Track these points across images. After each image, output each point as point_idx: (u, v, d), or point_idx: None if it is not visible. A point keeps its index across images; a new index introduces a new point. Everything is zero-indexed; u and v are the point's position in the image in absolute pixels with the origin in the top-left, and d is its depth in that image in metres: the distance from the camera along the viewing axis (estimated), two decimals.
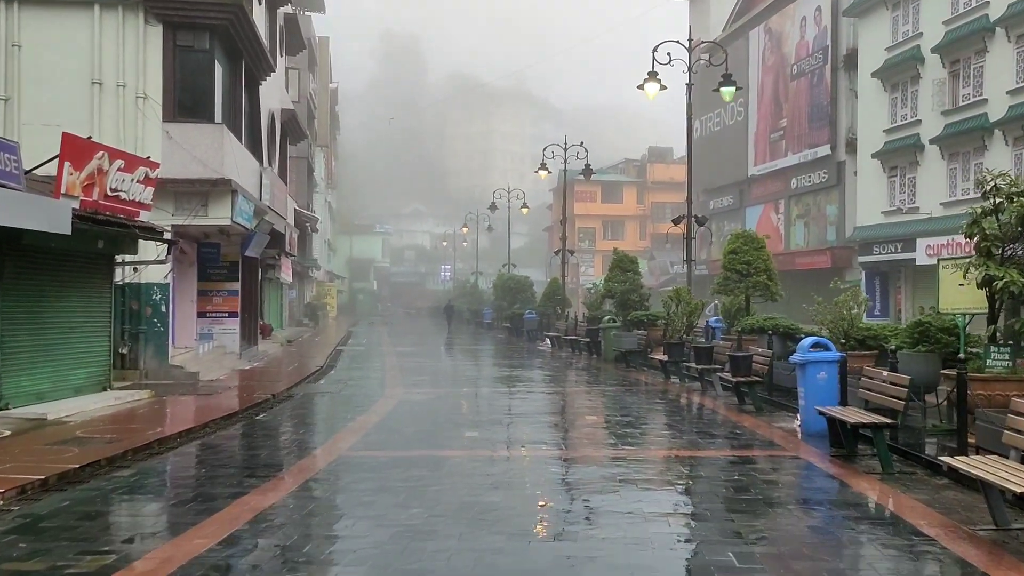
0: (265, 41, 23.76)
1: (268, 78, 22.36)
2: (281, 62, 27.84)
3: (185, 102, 17.36)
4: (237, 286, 21.98)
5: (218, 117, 17.51)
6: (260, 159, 21.81)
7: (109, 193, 13.23)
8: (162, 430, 11.30)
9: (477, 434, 11.69)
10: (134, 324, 16.90)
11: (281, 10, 26.74)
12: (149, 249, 15.86)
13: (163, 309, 17.09)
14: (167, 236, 15.57)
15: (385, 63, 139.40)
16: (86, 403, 13.13)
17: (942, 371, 10.57)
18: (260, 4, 22.62)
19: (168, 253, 15.48)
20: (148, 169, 14.39)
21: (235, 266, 21.85)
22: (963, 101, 29.32)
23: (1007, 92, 27.05)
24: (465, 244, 76.34)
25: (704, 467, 9.50)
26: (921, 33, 31.55)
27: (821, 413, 10.20)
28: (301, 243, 43.11)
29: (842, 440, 9.91)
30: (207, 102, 17.36)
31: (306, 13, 47.56)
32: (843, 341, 13.63)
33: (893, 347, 12.22)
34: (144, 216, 14.72)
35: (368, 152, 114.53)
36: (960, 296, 10.82)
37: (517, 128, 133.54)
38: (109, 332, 15.01)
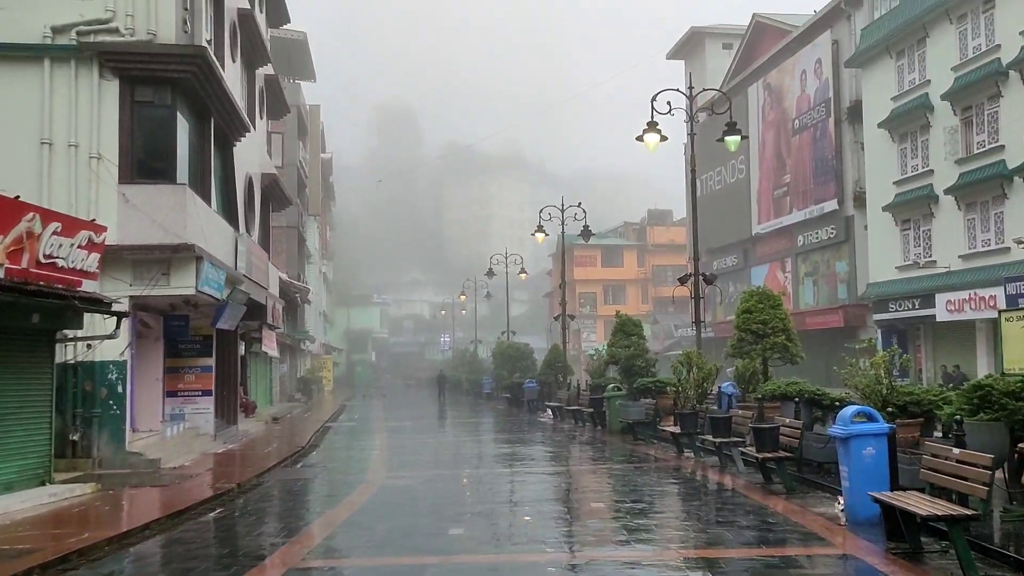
0: (242, 101, 22.56)
1: (243, 140, 21.00)
2: (262, 124, 26.62)
3: (145, 162, 15.91)
4: (211, 361, 20.29)
5: (181, 178, 16.04)
6: (235, 225, 20.31)
7: (42, 260, 11.67)
8: (89, 536, 9.50)
9: (463, 531, 9.87)
10: (87, 407, 15.18)
11: (261, 71, 25.60)
12: (103, 323, 14.26)
13: (119, 390, 15.38)
14: (118, 308, 13.93)
15: (381, 134, 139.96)
16: (13, 502, 11.35)
17: (1019, 446, 8.80)
18: (235, 62, 21.40)
19: (118, 327, 13.82)
20: (92, 233, 12.86)
21: (209, 340, 20.20)
22: (978, 148, 27.99)
23: None
24: (464, 312, 74.82)
25: (738, 574, 7.70)
26: (929, 81, 30.40)
27: (877, 501, 8.43)
28: (291, 315, 41.52)
29: (903, 531, 8.14)
30: (168, 161, 15.90)
31: (296, 81, 46.89)
32: (882, 408, 11.89)
33: (949, 414, 10.47)
34: (91, 286, 13.14)
35: (366, 222, 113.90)
36: None
37: (515, 194, 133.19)
38: (50, 418, 13.26)
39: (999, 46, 27.08)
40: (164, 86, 15.94)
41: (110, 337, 13.92)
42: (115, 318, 13.74)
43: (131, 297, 15.43)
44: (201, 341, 20.10)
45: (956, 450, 7.96)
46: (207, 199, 17.53)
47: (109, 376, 15.32)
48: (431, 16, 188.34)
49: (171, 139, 16.02)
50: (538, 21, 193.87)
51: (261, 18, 26.09)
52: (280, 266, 37.42)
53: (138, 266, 15.53)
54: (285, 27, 36.87)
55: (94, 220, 13.32)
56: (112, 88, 15.59)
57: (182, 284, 15.71)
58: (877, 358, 12.10)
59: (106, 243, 13.65)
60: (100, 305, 13.20)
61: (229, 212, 20.12)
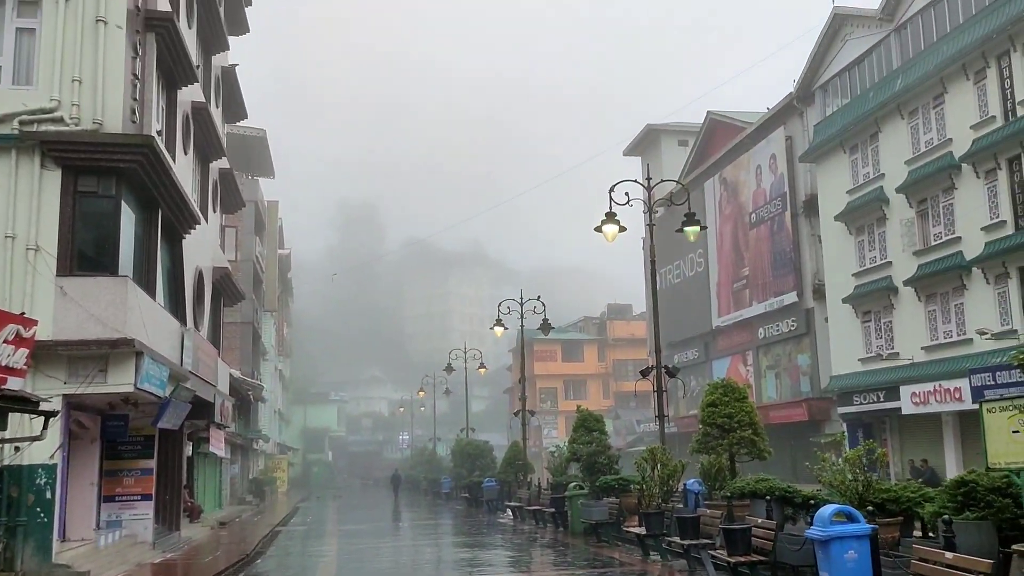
0: (194, 193, 22.03)
1: (194, 232, 20.36)
2: (215, 218, 26.05)
3: (86, 253, 15.19)
4: (152, 463, 19.17)
5: (123, 270, 15.31)
6: (182, 319, 19.51)
7: None
8: None
9: None
10: (12, 515, 14.04)
11: (216, 164, 25.17)
12: (30, 424, 13.27)
13: (48, 496, 14.27)
14: (46, 407, 12.98)
15: (341, 230, 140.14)
16: None
17: (1013, 547, 8.18)
18: (187, 154, 20.94)
19: (45, 427, 12.84)
20: (21, 327, 12.00)
21: (150, 440, 19.14)
22: (935, 240, 28.22)
23: (981, 229, 25.97)
24: (423, 409, 73.40)
25: None
26: (883, 174, 30.86)
27: None
28: (244, 413, 40.19)
29: None
30: (110, 253, 15.19)
31: (255, 178, 46.62)
32: (860, 507, 11.28)
33: (932, 513, 9.88)
34: (18, 384, 12.23)
35: (325, 318, 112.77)
36: (1016, 446, 8.64)
37: (475, 290, 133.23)
38: None
39: (950, 140, 27.60)
40: (109, 176, 15.35)
41: (37, 439, 12.93)
42: (42, 418, 12.78)
43: (65, 395, 14.50)
44: (142, 442, 19.03)
45: (949, 554, 7.36)
46: (152, 292, 16.79)
47: (37, 481, 14.24)
48: (392, 113, 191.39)
49: (114, 230, 15.35)
50: (497, 115, 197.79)
51: (217, 112, 25.80)
52: (233, 363, 36.32)
53: (74, 362, 14.65)
54: (245, 124, 36.75)
55: (23, 313, 12.50)
56: (54, 178, 14.96)
57: (120, 381, 14.82)
58: (851, 453, 11.55)
59: (40, 338, 12.80)
60: (26, 404, 12.26)
61: (176, 306, 19.34)
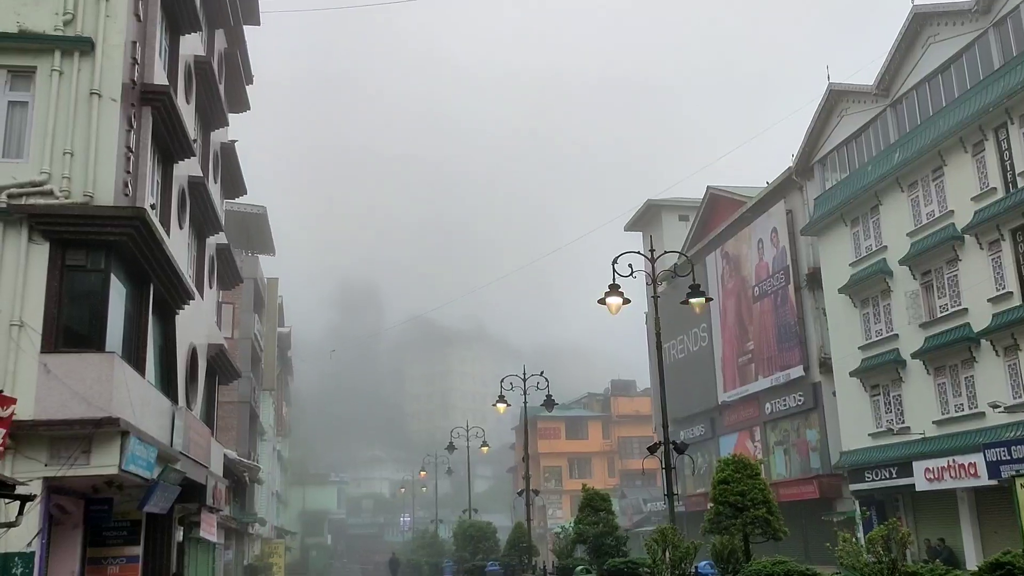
0: (189, 269, 21.71)
1: (188, 308, 19.96)
2: (211, 294, 25.68)
3: (72, 329, 14.73)
4: (138, 550, 18.31)
5: (111, 346, 14.83)
6: (173, 398, 18.95)
7: None
8: None
9: None
10: None
11: (213, 240, 24.93)
12: (5, 509, 12.64)
13: None
14: (23, 491, 12.37)
15: (343, 308, 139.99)
16: None
17: None
18: (182, 228, 20.68)
19: (21, 512, 12.21)
20: None
21: (137, 525, 18.31)
22: (941, 312, 27.81)
23: (988, 300, 25.59)
24: (424, 490, 72.05)
25: None
26: (885, 246, 30.63)
27: None
28: (239, 496, 39.21)
29: None
30: (97, 329, 14.74)
31: (255, 255, 46.55)
32: None
33: None
34: None
35: (325, 398, 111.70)
36: None
37: (476, 368, 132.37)
38: None
39: (952, 212, 27.44)
40: (98, 250, 14.99)
41: (12, 525, 12.28)
42: (17, 503, 12.16)
43: (45, 478, 13.87)
44: (128, 527, 18.21)
45: None
46: (141, 369, 16.28)
47: (14, 571, 13.51)
48: (391, 193, 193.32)
49: (102, 305, 14.92)
50: (499, 191, 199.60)
51: (215, 188, 25.68)
52: (228, 443, 35.56)
53: (56, 443, 14.06)
54: (246, 201, 36.77)
55: (1, 391, 12.01)
56: (41, 252, 14.61)
57: (104, 463, 14.19)
58: (874, 533, 10.93)
59: (20, 418, 12.35)
60: (1, 487, 11.67)
61: (167, 384, 18.81)
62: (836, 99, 34.31)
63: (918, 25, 29.43)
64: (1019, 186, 24.83)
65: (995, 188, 25.85)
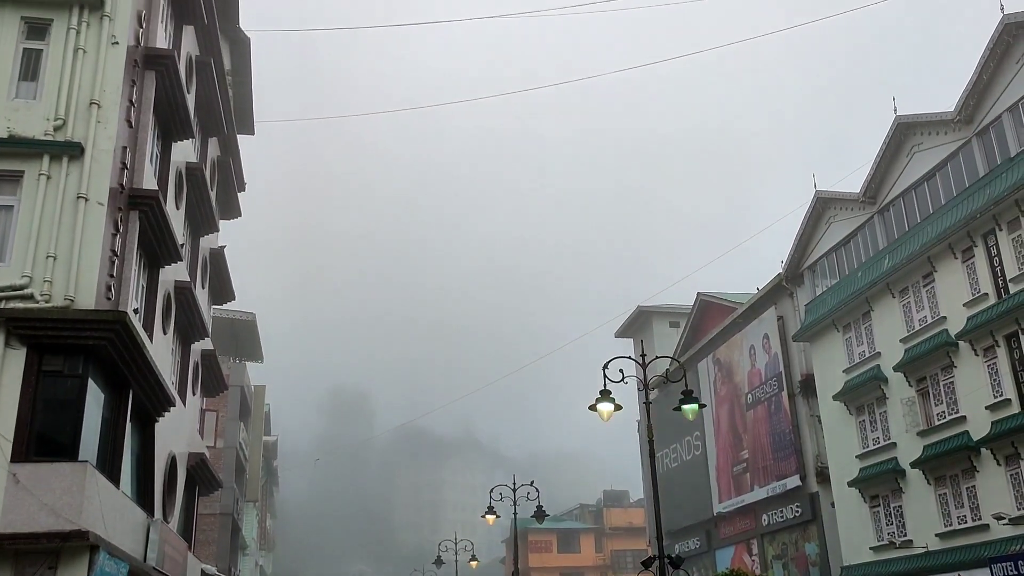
0: (172, 375, 21.25)
1: (169, 416, 19.43)
2: (194, 401, 25.11)
3: (45, 436, 14.18)
4: None
5: (84, 454, 14.28)
6: (149, 510, 18.21)
7: None
8: None
9: None
10: None
11: (198, 345, 24.55)
12: None
13: None
14: None
15: (331, 417, 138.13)
16: None
17: None
18: (166, 334, 20.31)
19: None
20: None
21: None
22: (939, 420, 27.36)
23: (986, 408, 25.20)
24: None
25: None
26: (879, 353, 30.40)
27: None
28: None
29: None
30: (71, 437, 14.20)
31: (241, 362, 46.00)
32: None
33: None
34: None
35: (311, 509, 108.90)
36: None
37: (467, 478, 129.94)
38: None
39: (944, 318, 27.33)
40: (77, 355, 14.59)
41: None
42: None
43: None
44: None
45: None
46: (116, 479, 15.66)
47: None
48: (381, 299, 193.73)
49: (78, 413, 14.43)
50: (488, 295, 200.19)
51: (202, 293, 25.45)
52: (208, 558, 34.24)
53: (21, 558, 13.34)
54: (235, 306, 36.51)
55: None
56: (18, 357, 14.18)
57: None
58: None
59: None
60: None
61: (143, 495, 18.10)
62: (823, 206, 34.67)
63: (902, 134, 29.98)
64: (1011, 292, 24.79)
65: (987, 294, 25.81)
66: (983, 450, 25.23)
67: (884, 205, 31.30)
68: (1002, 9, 25.52)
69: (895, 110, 30.20)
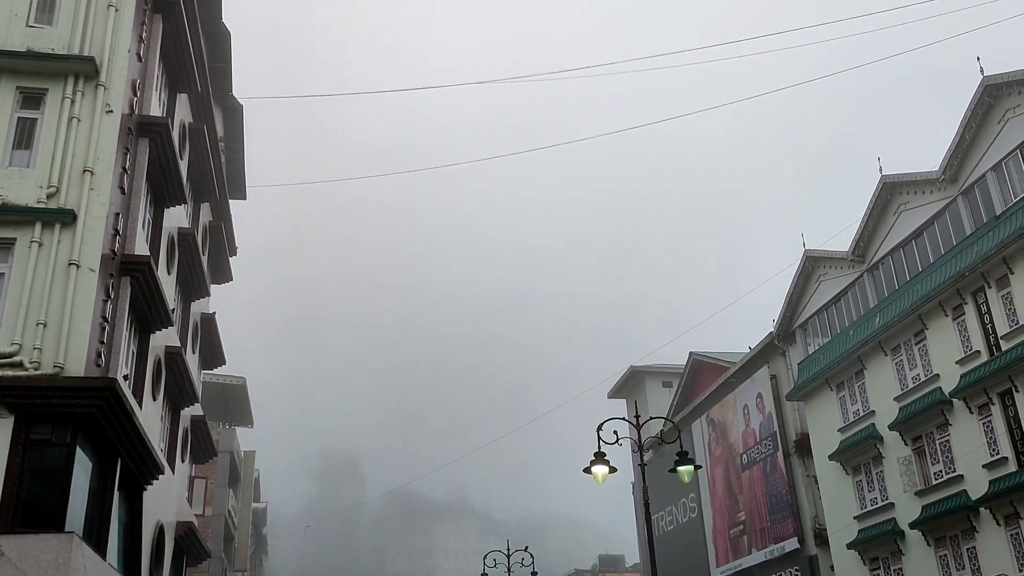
0: (161, 442, 21.00)
1: (157, 483, 19.12)
2: (183, 468, 24.76)
3: (32, 507, 13.91)
4: None
5: (71, 525, 14.01)
6: None
7: None
8: None
9: None
10: None
11: (188, 411, 24.29)
12: None
13: None
14: None
15: (322, 482, 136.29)
16: None
17: None
18: (155, 400, 20.12)
19: None
20: None
21: None
22: (936, 479, 27.15)
23: (983, 466, 25.05)
24: None
25: None
26: (873, 411, 30.29)
27: None
28: None
29: None
30: (58, 507, 13.95)
31: (231, 427, 45.56)
32: None
33: None
34: None
35: None
36: None
37: (460, 544, 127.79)
38: None
39: (937, 375, 27.32)
40: (65, 423, 14.40)
41: None
42: None
43: None
44: None
45: None
46: (102, 550, 15.33)
47: None
48: (372, 362, 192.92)
49: (65, 482, 14.19)
50: (479, 358, 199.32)
51: (193, 358, 25.29)
52: None
53: None
54: (225, 371, 36.30)
55: None
56: (5, 426, 13.98)
57: None
58: None
59: None
60: None
61: (130, 565, 17.71)
62: (813, 265, 34.88)
63: (888, 193, 30.32)
64: (1003, 349, 24.83)
65: (979, 351, 25.85)
66: (982, 510, 24.99)
67: (873, 263, 31.51)
68: (982, 71, 26.06)
69: (880, 170, 30.61)
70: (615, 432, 18.11)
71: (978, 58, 26.60)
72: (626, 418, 18.91)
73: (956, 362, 26.57)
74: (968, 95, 26.61)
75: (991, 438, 25.21)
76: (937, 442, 27.45)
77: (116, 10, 16.78)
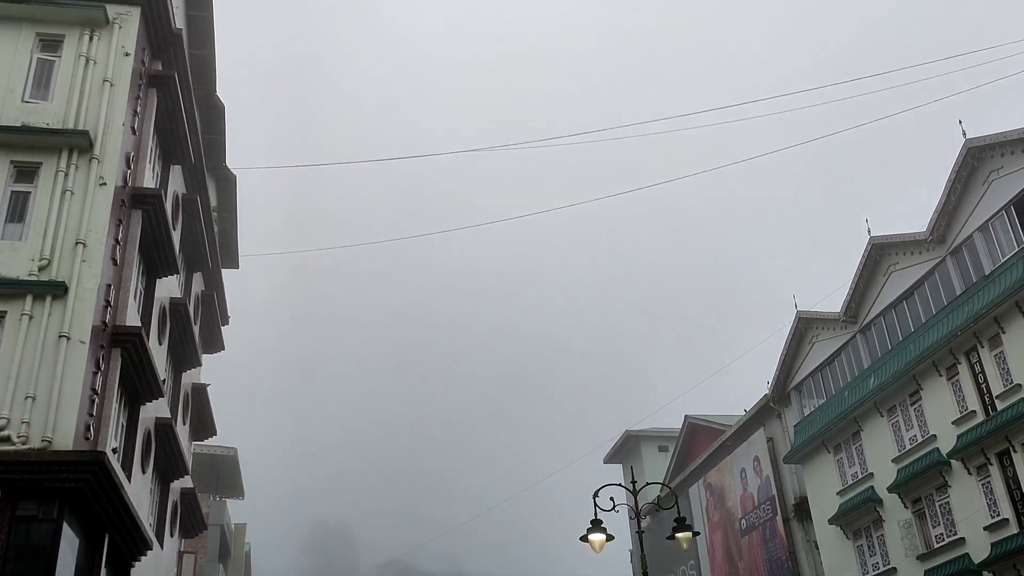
0: (150, 515, 20.66)
1: (144, 559, 18.75)
2: (172, 543, 24.30)
3: None
4: None
5: None
6: None
7: None
8: None
9: None
10: None
11: (178, 484, 23.93)
12: None
13: None
14: None
15: (315, 554, 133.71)
16: None
17: None
18: (144, 473, 19.82)
19: None
20: None
21: None
22: (938, 543, 26.78)
23: (984, 528, 24.74)
24: None
25: None
26: (871, 473, 30.01)
27: None
28: None
29: None
30: None
31: (221, 499, 44.85)
32: None
33: None
34: None
35: None
36: None
37: None
38: None
39: (934, 436, 27.16)
40: (52, 498, 14.11)
41: None
42: None
43: None
44: None
45: None
46: None
47: None
48: (365, 431, 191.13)
49: (51, 560, 13.85)
50: (472, 426, 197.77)
51: (183, 429, 25.03)
52: None
53: None
54: (215, 442, 35.88)
55: None
56: None
57: None
58: None
59: None
60: None
61: None
62: (805, 326, 34.90)
63: (877, 254, 30.52)
64: (998, 409, 24.75)
65: (974, 411, 25.75)
66: (985, 574, 24.61)
67: (865, 324, 31.55)
68: (964, 134, 26.49)
69: (869, 231, 30.87)
70: (611, 499, 17.87)
71: (960, 121, 27.11)
72: (622, 484, 18.69)
73: (952, 422, 26.44)
74: (953, 156, 27.00)
75: (991, 499, 24.96)
76: (937, 504, 27.15)
77: (111, 85, 17.02)
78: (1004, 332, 24.70)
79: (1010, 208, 25.24)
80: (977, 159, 26.16)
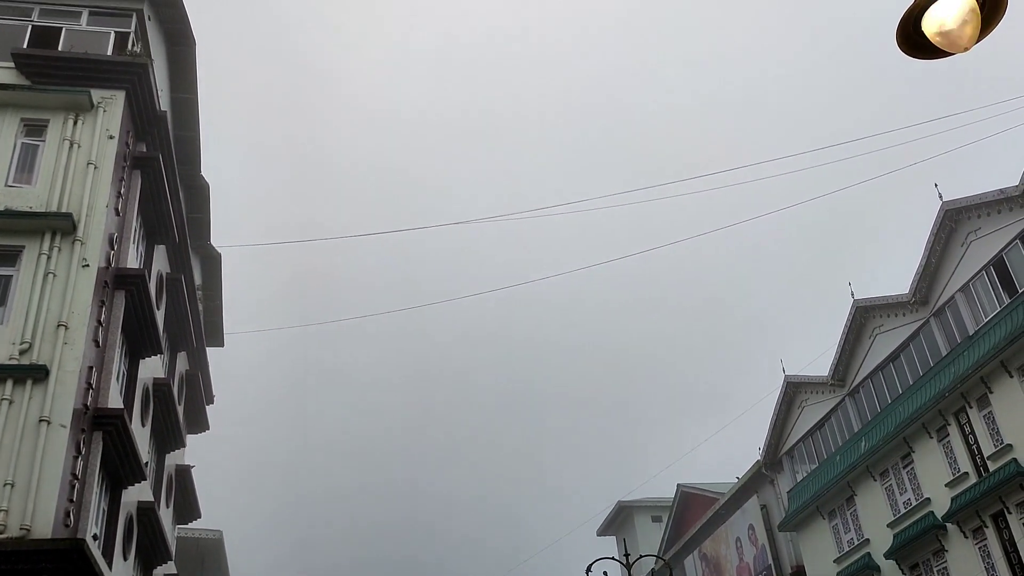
0: None
1: None
2: None
3: None
4: None
5: None
6: None
7: None
8: None
9: None
10: None
11: (160, 569, 23.34)
12: None
13: None
14: None
15: None
16: None
17: None
18: (126, 560, 19.26)
19: None
20: None
21: None
22: None
23: None
24: None
25: None
26: (867, 539, 29.60)
27: None
28: None
29: None
30: None
31: None
32: None
33: None
34: None
35: None
36: None
37: None
38: None
39: (928, 499, 26.88)
40: None
41: None
42: None
43: None
44: None
45: None
46: None
47: None
48: (353, 505, 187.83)
49: None
50: (461, 496, 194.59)
51: (167, 513, 24.55)
52: None
53: None
54: (200, 524, 35.14)
55: None
56: None
57: None
58: None
59: None
60: None
61: None
62: (794, 391, 34.80)
63: (862, 317, 30.64)
64: (990, 470, 24.57)
65: (967, 473, 25.56)
66: None
67: (853, 387, 31.49)
68: (940, 197, 26.88)
69: (852, 294, 31.05)
70: (604, 573, 17.55)
71: (936, 184, 27.49)
72: (616, 557, 18.36)
73: (946, 485, 26.21)
74: (931, 218, 27.30)
75: (988, 563, 24.60)
76: (935, 569, 26.75)
77: (95, 167, 17.13)
78: (992, 392, 24.68)
79: (990, 268, 25.46)
80: (955, 221, 26.49)
